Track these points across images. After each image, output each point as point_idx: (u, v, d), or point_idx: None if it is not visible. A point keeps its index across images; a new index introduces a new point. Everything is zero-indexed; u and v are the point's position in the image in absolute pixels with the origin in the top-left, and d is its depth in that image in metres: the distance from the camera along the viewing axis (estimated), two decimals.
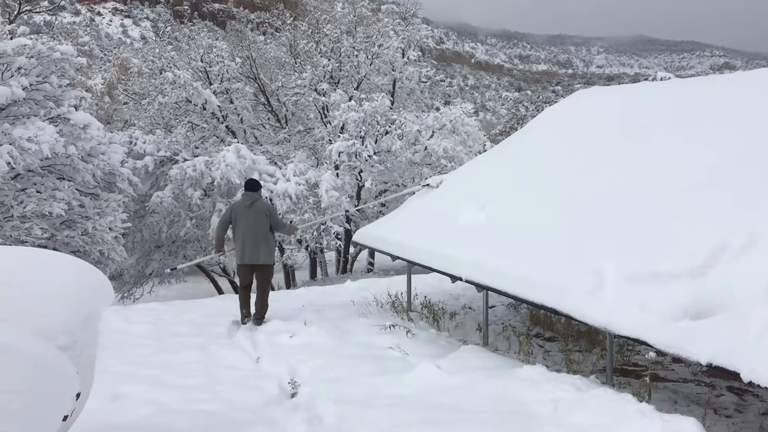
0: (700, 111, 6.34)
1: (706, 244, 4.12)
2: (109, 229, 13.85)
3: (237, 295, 8.94)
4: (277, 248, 13.73)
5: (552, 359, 6.52)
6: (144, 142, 17.35)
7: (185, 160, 16.84)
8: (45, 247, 12.37)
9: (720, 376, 5.69)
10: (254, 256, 7.97)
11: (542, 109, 9.86)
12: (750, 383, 3.35)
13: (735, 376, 3.44)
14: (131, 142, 17.22)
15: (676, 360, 5.94)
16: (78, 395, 2.98)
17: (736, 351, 3.46)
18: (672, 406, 4.98)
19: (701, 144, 5.62)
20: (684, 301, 3.93)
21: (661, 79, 11.58)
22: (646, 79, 12.74)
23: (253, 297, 8.12)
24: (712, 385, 5.65)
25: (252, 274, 8.19)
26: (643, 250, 4.58)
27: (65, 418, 2.85)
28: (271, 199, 15.87)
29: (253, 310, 8.05)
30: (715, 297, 3.81)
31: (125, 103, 23.41)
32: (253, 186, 8.30)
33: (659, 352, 4.06)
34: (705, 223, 4.45)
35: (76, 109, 13.98)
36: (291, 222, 8.64)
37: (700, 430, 3.53)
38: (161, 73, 19.54)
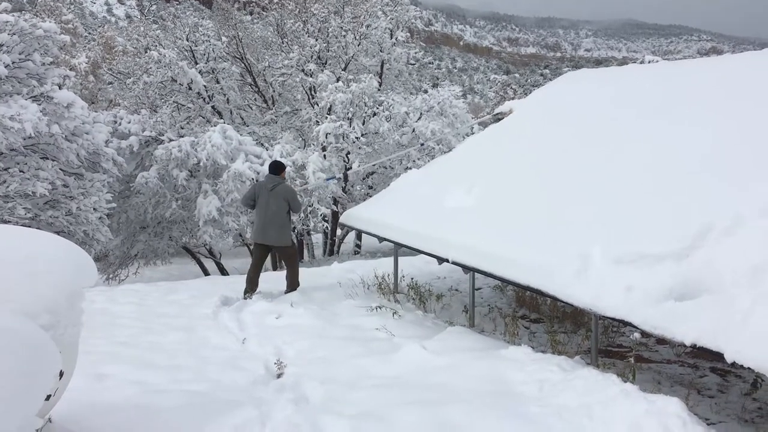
0: (688, 94, 6.35)
1: (693, 226, 4.14)
2: (94, 209, 13.74)
3: (223, 277, 9.03)
4: None
5: (537, 340, 6.55)
6: (129, 122, 17.18)
7: (171, 140, 16.68)
8: (29, 227, 12.24)
9: (703, 357, 5.75)
10: (266, 237, 8.51)
11: (530, 92, 9.85)
12: (733, 364, 3.38)
13: (718, 356, 3.46)
14: (116, 122, 17.05)
15: (660, 341, 6.00)
16: (61, 374, 2.96)
17: (720, 332, 3.49)
18: (656, 386, 5.02)
19: (689, 127, 5.64)
20: (669, 283, 3.94)
21: (649, 63, 11.58)
22: (634, 63, 12.75)
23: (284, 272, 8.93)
24: (695, 366, 5.71)
25: (265, 254, 8.77)
26: (630, 232, 4.59)
27: (48, 397, 2.83)
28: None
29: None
30: (701, 278, 3.83)
31: (110, 83, 23.17)
32: (275, 169, 8.75)
33: (644, 333, 4.09)
34: (692, 204, 4.46)
35: (60, 88, 13.78)
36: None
37: (684, 410, 3.56)
38: (146, 52, 19.30)
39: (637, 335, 5.89)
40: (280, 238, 8.52)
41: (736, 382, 5.31)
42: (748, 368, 3.31)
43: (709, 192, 4.50)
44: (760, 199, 4.06)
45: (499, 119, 9.15)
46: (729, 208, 4.11)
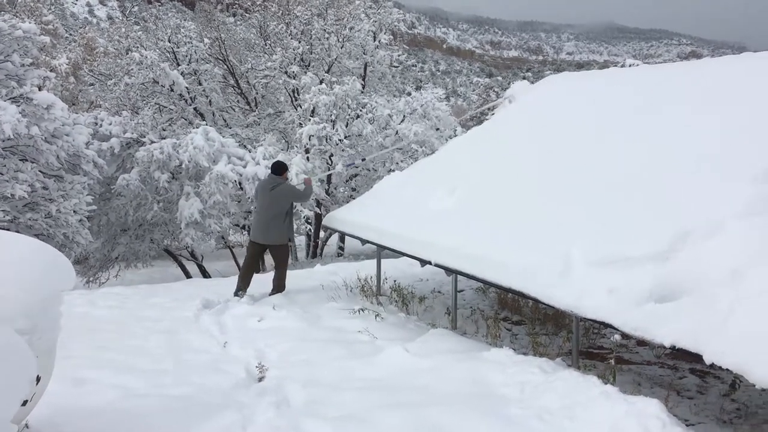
0: (669, 96, 6.41)
1: (674, 228, 4.18)
2: (74, 212, 13.59)
3: (205, 280, 8.98)
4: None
5: (519, 342, 6.58)
6: (110, 124, 17.02)
7: (152, 142, 16.55)
8: (7, 230, 12.09)
9: (683, 358, 5.80)
10: (263, 237, 8.47)
11: None
12: (712, 365, 3.41)
13: (697, 358, 3.49)
14: (97, 124, 16.88)
15: (641, 343, 6.04)
16: (38, 379, 2.92)
17: (700, 334, 3.52)
18: (636, 388, 5.06)
19: (670, 128, 5.69)
20: (649, 285, 3.98)
21: (630, 66, 11.69)
22: (616, 66, 12.85)
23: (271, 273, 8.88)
24: (675, 368, 5.76)
25: (260, 253, 8.83)
26: (612, 234, 4.63)
27: (24, 402, 2.79)
28: (240, 183, 15.70)
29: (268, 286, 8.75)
30: (681, 280, 3.86)
31: (91, 84, 22.96)
32: (277, 169, 8.63)
33: (624, 335, 4.12)
34: (673, 207, 4.50)
35: (40, 89, 13.64)
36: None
37: (663, 412, 3.59)
38: (127, 54, 19.15)
39: (617, 337, 5.93)
40: (279, 237, 8.50)
41: (715, 384, 5.36)
42: (727, 369, 3.34)
43: (690, 194, 4.54)
44: (739, 202, 4.10)
45: (492, 111, 9.24)
46: (709, 210, 4.16)
